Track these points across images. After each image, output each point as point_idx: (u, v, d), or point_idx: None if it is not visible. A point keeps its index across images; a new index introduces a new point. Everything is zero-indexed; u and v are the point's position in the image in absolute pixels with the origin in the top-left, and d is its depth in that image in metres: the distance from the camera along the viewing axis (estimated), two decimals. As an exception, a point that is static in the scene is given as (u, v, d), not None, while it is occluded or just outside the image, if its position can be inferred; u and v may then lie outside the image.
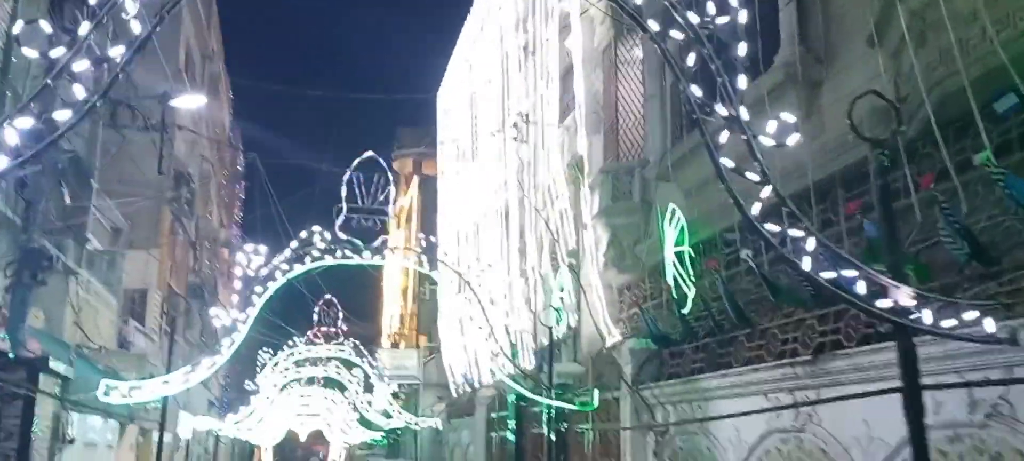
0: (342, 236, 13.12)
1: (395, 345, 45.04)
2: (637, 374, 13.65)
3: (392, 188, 14.97)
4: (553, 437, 17.94)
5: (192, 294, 32.53)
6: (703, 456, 11.67)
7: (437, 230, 39.39)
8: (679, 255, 14.01)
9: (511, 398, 21.73)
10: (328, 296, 26.75)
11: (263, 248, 12.91)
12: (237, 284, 13.16)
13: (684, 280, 13.74)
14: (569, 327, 19.72)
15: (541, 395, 15.90)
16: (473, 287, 14.39)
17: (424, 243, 14.73)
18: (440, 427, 26.67)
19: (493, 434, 25.16)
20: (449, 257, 36.45)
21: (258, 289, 12.63)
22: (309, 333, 26.32)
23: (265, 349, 28.31)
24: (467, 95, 32.70)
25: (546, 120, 20.84)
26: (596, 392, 13.84)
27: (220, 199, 41.44)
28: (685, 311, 13.65)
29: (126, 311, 25.02)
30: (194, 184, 30.82)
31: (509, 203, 25.82)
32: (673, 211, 14.14)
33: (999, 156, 7.30)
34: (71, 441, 13.39)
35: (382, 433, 40.00)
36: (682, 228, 14.00)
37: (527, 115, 21.69)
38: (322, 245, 12.95)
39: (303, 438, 56.73)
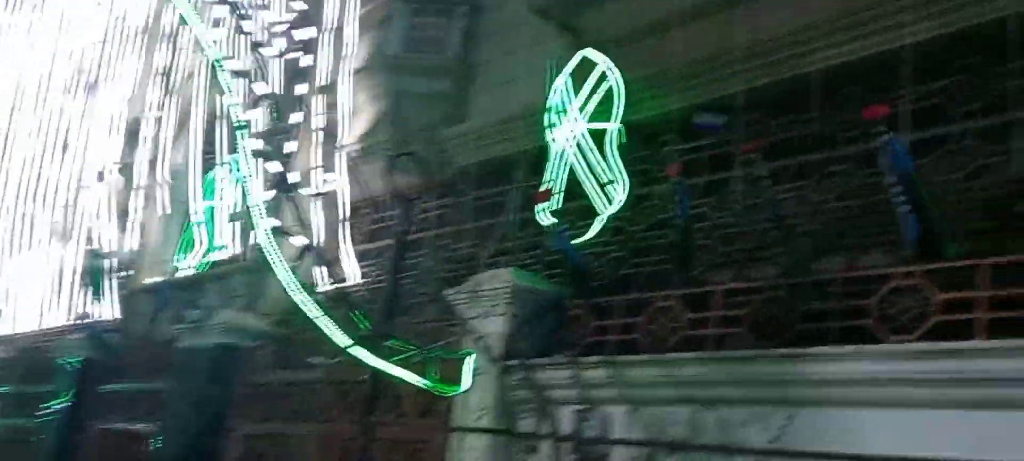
0: None
1: None
2: (511, 341, 6.87)
3: None
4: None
5: None
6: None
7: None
8: (597, 137, 7.75)
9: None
10: None
11: None
12: None
13: (609, 178, 7.50)
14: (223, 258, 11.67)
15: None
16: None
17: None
18: None
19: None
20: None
21: None
22: None
23: None
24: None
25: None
26: (470, 362, 6.73)
27: None
28: (592, 235, 7.43)
29: None
30: None
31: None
32: (598, 67, 7.87)
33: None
34: None
35: None
36: (611, 94, 7.78)
37: None
38: None
39: None
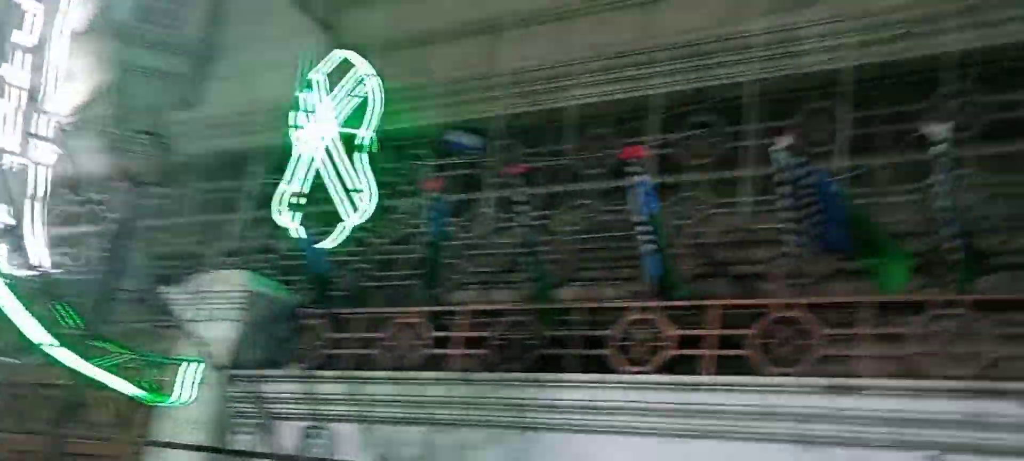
0: None
1: None
2: (239, 349, 6.24)
3: None
4: None
5: None
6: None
7: None
8: (347, 142, 7.38)
9: None
10: None
11: None
12: None
13: (356, 186, 7.15)
14: None
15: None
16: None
17: None
18: None
19: None
20: None
21: None
22: None
23: None
24: None
25: None
26: (193, 370, 5.81)
27: None
28: (333, 242, 7.03)
29: None
30: None
31: None
32: (356, 70, 7.52)
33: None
34: None
35: None
36: (367, 100, 7.47)
37: None
38: None
39: None
